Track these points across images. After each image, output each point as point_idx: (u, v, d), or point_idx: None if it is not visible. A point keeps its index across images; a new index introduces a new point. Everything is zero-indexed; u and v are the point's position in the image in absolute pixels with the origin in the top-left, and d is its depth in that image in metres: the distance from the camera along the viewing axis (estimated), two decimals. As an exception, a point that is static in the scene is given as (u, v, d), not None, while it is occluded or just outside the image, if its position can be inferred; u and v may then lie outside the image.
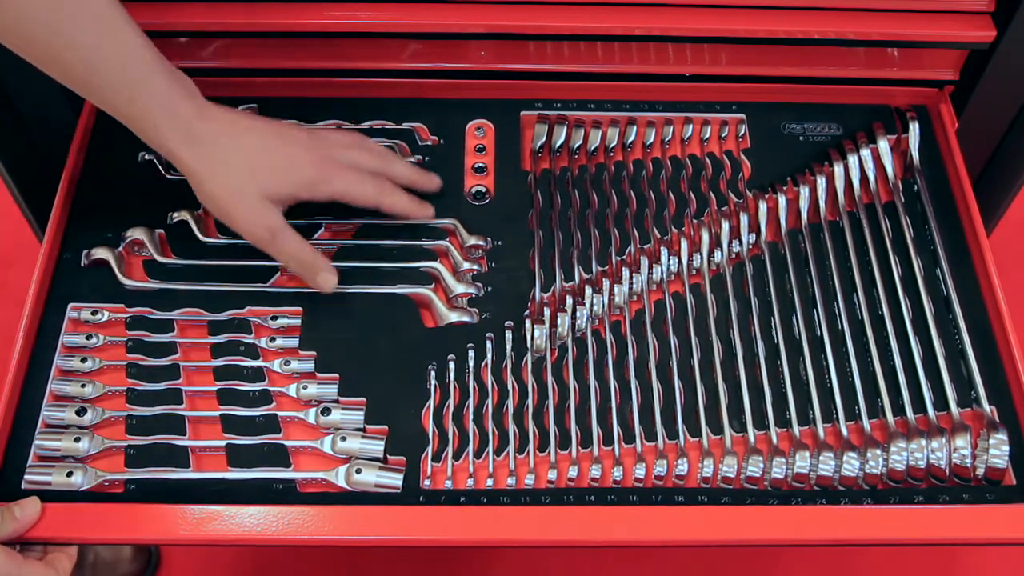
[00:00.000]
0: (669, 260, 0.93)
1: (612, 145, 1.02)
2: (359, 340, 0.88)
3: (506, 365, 0.88)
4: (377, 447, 0.82)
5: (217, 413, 0.84)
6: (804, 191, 0.97)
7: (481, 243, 0.94)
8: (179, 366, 0.87)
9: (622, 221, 0.97)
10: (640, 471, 0.82)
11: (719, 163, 1.01)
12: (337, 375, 0.86)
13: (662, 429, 0.85)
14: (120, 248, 0.92)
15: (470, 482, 0.82)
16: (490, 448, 0.83)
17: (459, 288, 0.92)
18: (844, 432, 0.84)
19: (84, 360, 0.86)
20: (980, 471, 0.81)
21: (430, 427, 0.84)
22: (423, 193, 0.95)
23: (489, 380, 0.87)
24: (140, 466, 0.81)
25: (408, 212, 0.93)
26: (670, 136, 1.03)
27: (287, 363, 0.87)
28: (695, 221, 0.97)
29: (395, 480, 0.80)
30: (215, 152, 0.83)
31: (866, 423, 0.85)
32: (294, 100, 1.03)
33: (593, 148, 1.01)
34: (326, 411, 0.84)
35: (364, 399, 0.85)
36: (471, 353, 0.88)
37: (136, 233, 0.93)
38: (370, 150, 0.93)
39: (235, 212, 0.84)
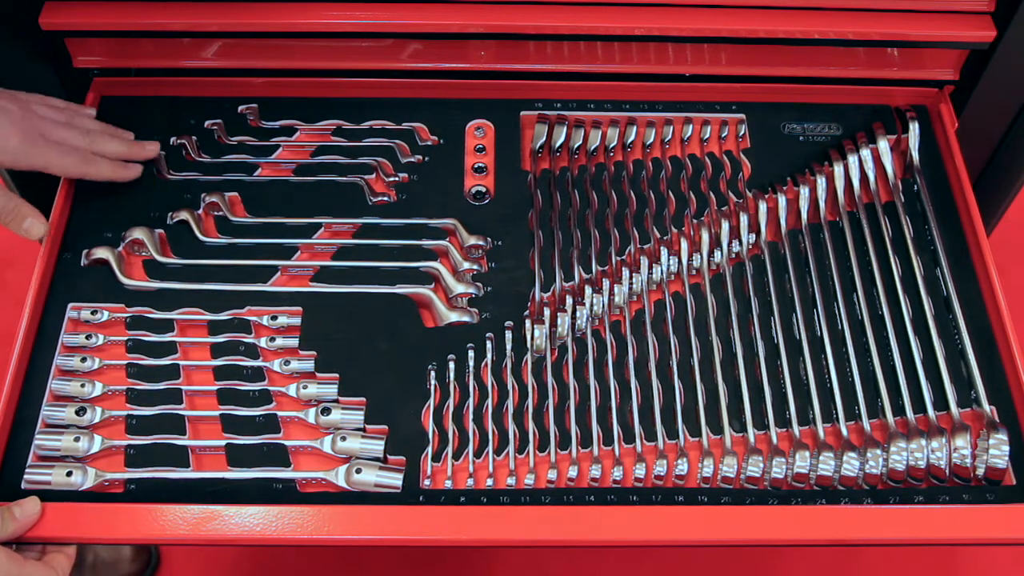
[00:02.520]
0: (669, 260, 0.93)
1: (612, 145, 1.02)
2: (359, 340, 0.88)
3: (506, 365, 0.87)
4: (377, 447, 0.82)
5: (217, 413, 0.84)
6: (804, 191, 0.97)
7: (481, 243, 0.94)
8: (179, 366, 0.87)
9: (622, 221, 0.97)
10: (640, 471, 0.82)
11: (719, 163, 1.01)
12: (337, 375, 0.86)
13: (662, 429, 0.85)
14: (120, 248, 0.92)
15: (470, 482, 0.82)
16: (490, 448, 0.83)
17: (459, 288, 0.91)
18: (844, 432, 0.84)
19: (84, 360, 0.86)
20: (980, 471, 0.81)
21: (430, 427, 0.84)
22: None
23: (489, 380, 0.87)
24: (140, 466, 0.81)
25: (114, 177, 0.95)
26: (670, 136, 1.03)
27: (287, 363, 0.87)
28: (695, 221, 0.97)
29: (395, 480, 0.80)
30: None
31: (866, 423, 0.85)
32: (294, 100, 1.03)
33: (593, 148, 1.01)
34: (326, 411, 0.84)
35: (364, 399, 0.85)
36: (471, 353, 0.88)
37: (136, 233, 0.93)
38: (79, 129, 0.94)
39: None
